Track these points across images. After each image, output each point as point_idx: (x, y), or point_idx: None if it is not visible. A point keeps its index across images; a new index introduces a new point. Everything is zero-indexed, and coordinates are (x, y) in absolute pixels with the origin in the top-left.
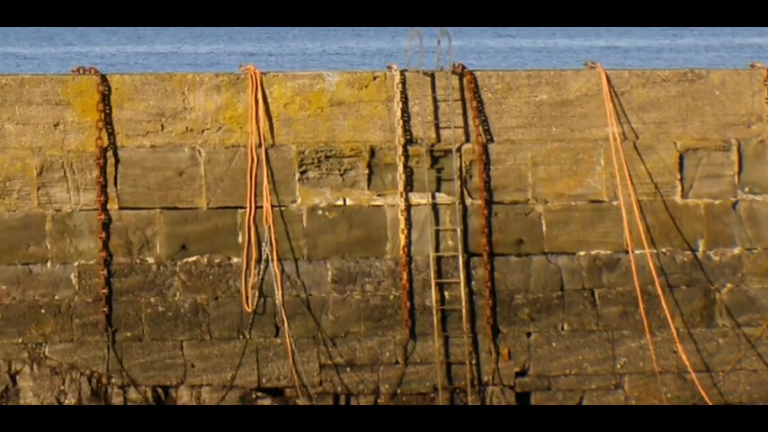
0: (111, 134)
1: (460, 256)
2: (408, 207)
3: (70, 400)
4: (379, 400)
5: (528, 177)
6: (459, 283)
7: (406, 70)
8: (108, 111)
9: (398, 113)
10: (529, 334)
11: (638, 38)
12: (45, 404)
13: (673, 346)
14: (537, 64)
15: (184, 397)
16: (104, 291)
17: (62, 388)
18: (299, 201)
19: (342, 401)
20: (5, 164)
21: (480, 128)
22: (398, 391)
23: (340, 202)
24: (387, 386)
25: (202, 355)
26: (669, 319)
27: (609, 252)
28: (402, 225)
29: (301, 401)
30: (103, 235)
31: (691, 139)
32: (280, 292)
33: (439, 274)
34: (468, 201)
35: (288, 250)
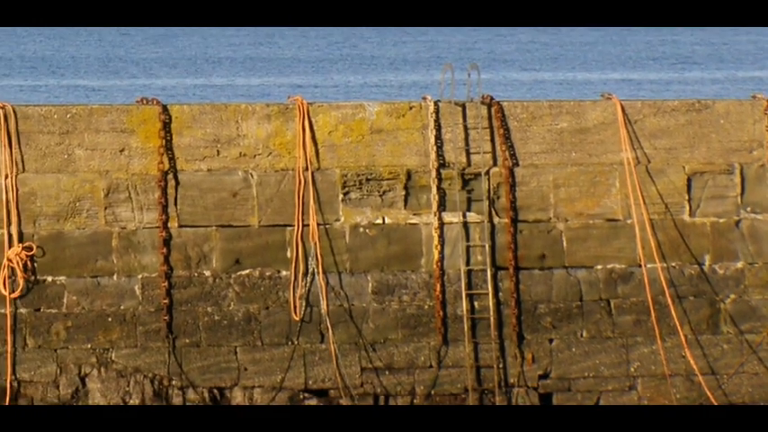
0: (172, 159)
1: (489, 270)
2: (441, 225)
3: (134, 401)
4: (414, 401)
5: (550, 198)
6: (487, 294)
7: (439, 101)
8: (169, 137)
9: (432, 140)
10: (551, 340)
11: (649, 71)
12: (111, 404)
13: (681, 352)
14: (558, 95)
15: (238, 397)
16: (165, 301)
17: (127, 389)
18: (342, 219)
19: (381, 402)
20: (75, 186)
21: (507, 153)
22: (432, 392)
23: (379, 221)
24: (422, 388)
25: (254, 360)
26: (678, 327)
27: (623, 266)
28: (436, 241)
29: (344, 402)
30: (164, 250)
31: (698, 164)
32: (325, 302)
33: (469, 285)
34: (496, 219)
35: (332, 264)
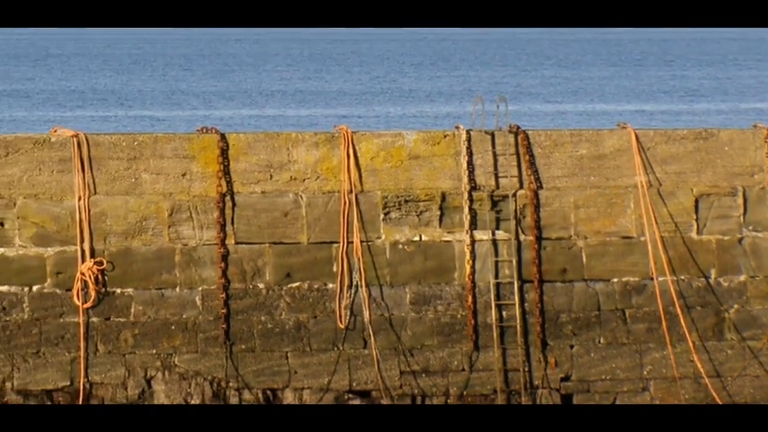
0: (229, 182)
1: (515, 283)
2: (473, 242)
3: (195, 401)
4: (448, 401)
5: (571, 218)
6: (514, 304)
7: (470, 129)
8: (226, 163)
9: (464, 165)
10: (572, 346)
11: (660, 103)
12: (174, 404)
13: (690, 356)
14: (578, 124)
15: (289, 398)
16: (223, 311)
17: (188, 391)
18: (383, 237)
19: (418, 401)
20: (142, 207)
21: (532, 177)
22: (464, 393)
23: (417, 238)
24: (455, 389)
25: (304, 364)
26: (686, 334)
27: (637, 279)
28: (467, 257)
29: (385, 401)
30: (222, 265)
31: (704, 187)
32: (367, 311)
33: (498, 296)
34: (522, 237)
35: (374, 277)
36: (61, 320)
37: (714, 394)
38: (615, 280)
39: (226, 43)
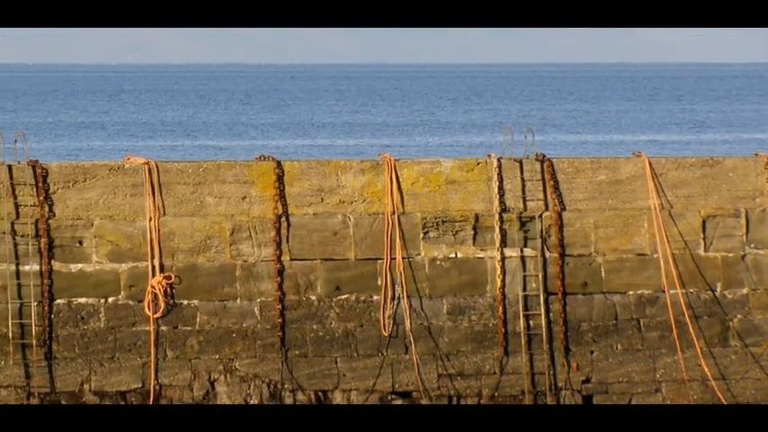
0: (284, 205)
1: (541, 295)
2: (503, 258)
3: (254, 401)
4: (480, 401)
5: (591, 237)
6: (540, 314)
7: (501, 157)
8: (282, 187)
9: (496, 189)
10: (592, 352)
11: (671, 134)
12: (235, 404)
13: (697, 361)
14: (597, 153)
15: (338, 398)
16: (279, 320)
17: (248, 392)
18: (422, 254)
19: (454, 402)
20: (206, 227)
21: (556, 200)
22: (495, 394)
23: (453, 255)
24: (487, 390)
25: (351, 368)
26: (695, 341)
27: (650, 291)
28: (498, 272)
29: (424, 401)
30: (278, 279)
31: (711, 209)
32: (408, 320)
33: (525, 307)
34: (547, 254)
35: (414, 290)
36: (134, 329)
37: (720, 395)
38: (631, 292)
39: (281, 80)
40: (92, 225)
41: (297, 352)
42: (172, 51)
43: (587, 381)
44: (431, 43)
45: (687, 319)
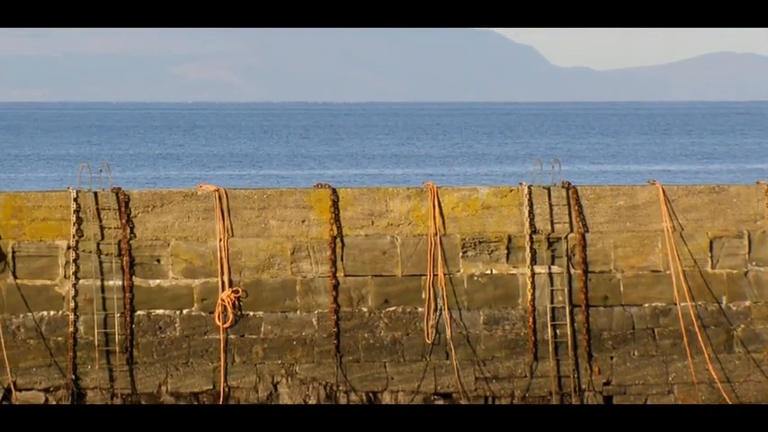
0: (339, 227)
1: (567, 307)
2: (533, 275)
3: (312, 401)
4: (513, 401)
5: (611, 255)
6: (566, 324)
7: (531, 185)
8: (337, 212)
9: (526, 213)
10: (611, 357)
11: (682, 164)
12: (295, 404)
13: (705, 366)
14: (616, 181)
15: (386, 399)
16: (334, 329)
17: (307, 393)
18: (461, 270)
19: (489, 402)
20: (270, 246)
21: (580, 223)
22: (526, 395)
23: (488, 272)
24: (519, 391)
25: (398, 372)
26: (703, 348)
27: (664, 304)
28: (529, 286)
29: (463, 402)
30: (334, 293)
31: (717, 231)
32: (449, 330)
33: (553, 318)
34: (572, 271)
35: (454, 303)
36: (205, 337)
37: (725, 396)
38: (646, 305)
39: (336, 116)
40: (168, 245)
41: (350, 357)
42: (239, 91)
43: (608, 383)
44: (468, 84)
45: (696, 328)
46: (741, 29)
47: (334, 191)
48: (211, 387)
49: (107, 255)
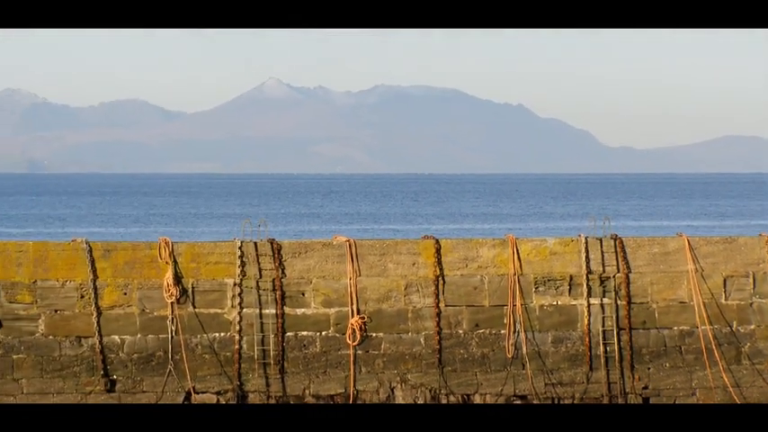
0: (441, 269)
1: (614, 329)
2: (589, 305)
3: (420, 401)
4: (573, 401)
5: (648, 290)
6: (614, 342)
7: (587, 237)
8: (439, 257)
9: (584, 258)
10: (648, 368)
11: (702, 221)
12: (405, 403)
13: (720, 375)
14: (653, 234)
15: (477, 400)
16: (437, 347)
17: (416, 395)
18: (534, 302)
19: (555, 402)
20: (388, 283)
21: (624, 266)
22: (583, 397)
23: (555, 303)
24: (578, 394)
25: (486, 379)
26: (719, 361)
27: (688, 327)
28: (585, 314)
29: (536, 401)
30: (437, 319)
31: (729, 272)
32: (524, 347)
33: (604, 338)
34: (619, 302)
35: (529, 326)
36: (339, 353)
37: (735, 398)
38: (675, 328)
39: (439, 184)
40: (311, 282)
41: (449, 368)
42: (365, 165)
43: (645, 388)
44: (539, 159)
45: (713, 346)
46: (749, 116)
47: (437, 241)
48: (343, 390)
49: (264, 290)
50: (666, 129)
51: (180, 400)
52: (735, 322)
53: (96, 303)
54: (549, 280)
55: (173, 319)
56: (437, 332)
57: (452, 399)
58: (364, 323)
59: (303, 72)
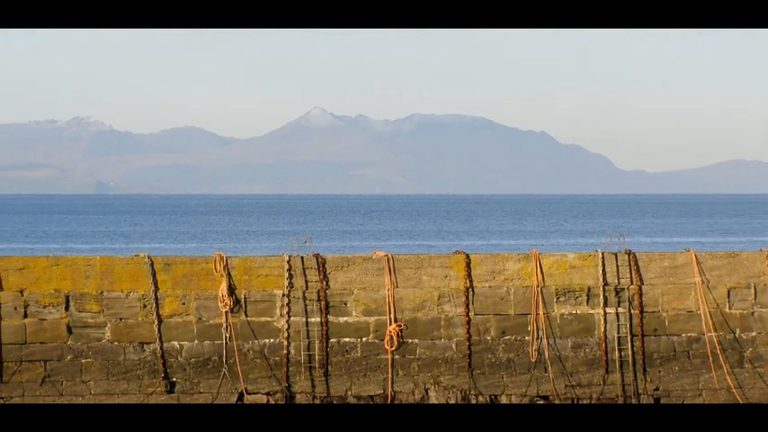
0: (470, 281)
1: (629, 336)
2: (605, 314)
3: (451, 401)
4: (591, 401)
5: (659, 300)
6: (628, 348)
7: (604, 252)
8: (469, 270)
9: (600, 271)
10: (659, 371)
11: (708, 237)
12: (440, 403)
13: (725, 377)
14: (663, 249)
15: (503, 400)
16: (467, 351)
17: (448, 396)
18: (555, 311)
19: (575, 402)
20: (423, 294)
21: (637, 278)
22: (600, 397)
23: (574, 312)
24: (595, 394)
25: (512, 381)
26: (723, 365)
27: (695, 334)
28: (602, 322)
29: (557, 401)
30: (467, 326)
31: (733, 283)
32: (547, 352)
33: (619, 344)
34: (632, 311)
35: (550, 333)
36: (378, 357)
37: (738, 398)
38: (684, 335)
39: (468, 204)
40: (352, 293)
41: (478, 371)
42: (401, 186)
43: (657, 389)
44: (559, 181)
45: (718, 351)
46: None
47: (467, 256)
48: (382, 392)
49: (310, 300)
50: (676, 154)
51: (233, 400)
52: (738, 329)
53: (157, 312)
54: (568, 291)
55: (227, 326)
56: (467, 338)
57: (481, 399)
58: (401, 330)
59: (345, 102)
